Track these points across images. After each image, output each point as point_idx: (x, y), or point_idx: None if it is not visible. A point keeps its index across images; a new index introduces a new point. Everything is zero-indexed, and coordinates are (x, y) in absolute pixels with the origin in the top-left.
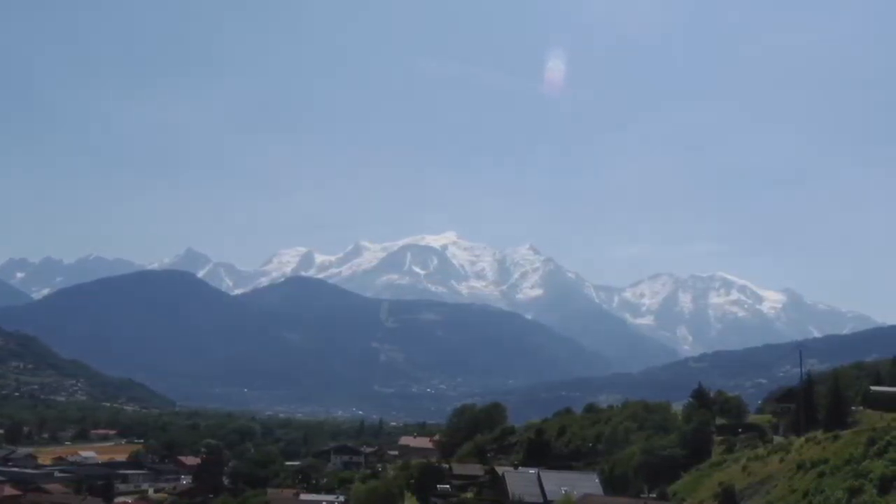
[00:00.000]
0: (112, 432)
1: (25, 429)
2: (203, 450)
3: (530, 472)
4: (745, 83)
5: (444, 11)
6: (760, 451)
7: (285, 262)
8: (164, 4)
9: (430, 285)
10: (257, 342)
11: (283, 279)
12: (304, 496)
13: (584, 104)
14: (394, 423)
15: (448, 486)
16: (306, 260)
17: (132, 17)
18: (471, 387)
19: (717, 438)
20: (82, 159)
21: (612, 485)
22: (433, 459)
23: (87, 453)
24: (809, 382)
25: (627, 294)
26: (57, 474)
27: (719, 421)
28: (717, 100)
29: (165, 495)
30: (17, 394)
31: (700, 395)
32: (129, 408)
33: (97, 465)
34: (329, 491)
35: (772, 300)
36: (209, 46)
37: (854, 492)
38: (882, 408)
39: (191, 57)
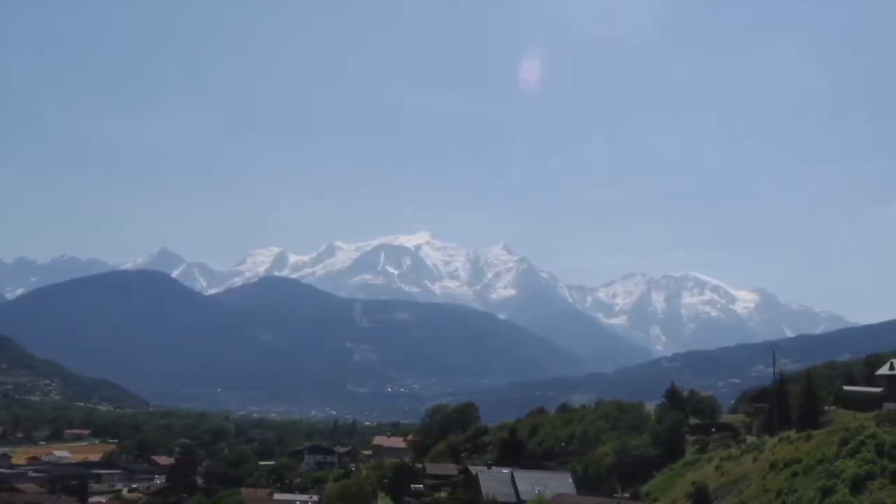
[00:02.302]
0: (86, 432)
1: (0, 428)
2: (177, 449)
3: (504, 471)
4: (720, 91)
5: (418, 27)
6: (734, 450)
7: (259, 262)
8: (142, 13)
9: (403, 285)
10: (231, 342)
11: (256, 279)
12: (277, 496)
13: (557, 108)
14: (367, 423)
15: (421, 485)
16: (280, 260)
17: (109, 24)
18: (444, 386)
19: (691, 438)
20: (57, 160)
21: (585, 484)
22: (407, 459)
23: (62, 453)
24: (782, 382)
25: (601, 294)
26: (31, 474)
27: (692, 421)
28: (692, 104)
29: (139, 495)
30: None
31: (673, 395)
32: (102, 407)
33: (71, 464)
34: (303, 491)
35: (745, 300)
36: (185, 54)
37: (827, 491)
38: (855, 408)
39: (167, 63)
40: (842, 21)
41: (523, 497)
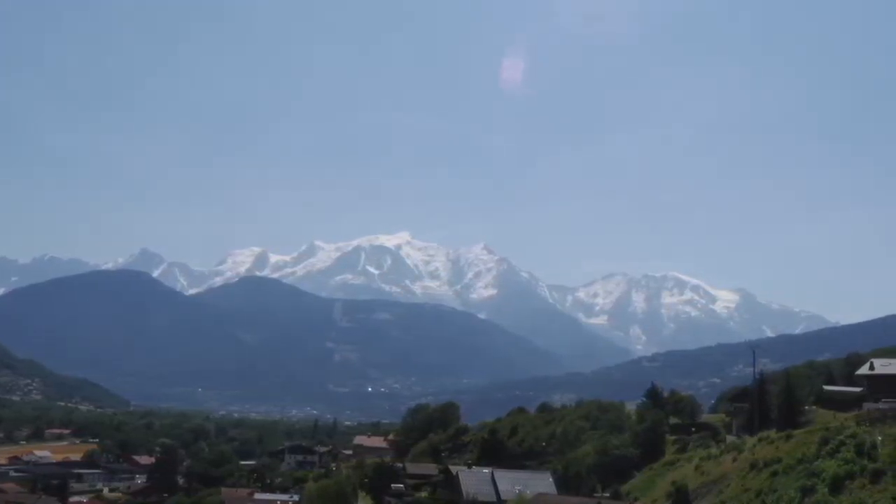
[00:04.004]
0: (67, 432)
1: None
2: (157, 449)
3: (484, 471)
4: (703, 94)
5: (398, 28)
6: (713, 450)
7: (240, 262)
8: (122, 20)
9: (384, 285)
10: (212, 342)
11: (237, 279)
12: (258, 495)
13: (539, 109)
14: (348, 423)
15: (402, 485)
16: (261, 260)
17: (96, 36)
18: (424, 386)
19: (671, 438)
20: (38, 161)
21: (565, 484)
22: (387, 459)
23: (42, 453)
24: (762, 382)
25: (581, 294)
26: (12, 473)
27: (673, 420)
28: (675, 106)
29: (120, 495)
30: None
31: (653, 395)
32: (83, 407)
33: (52, 464)
34: (283, 490)
35: (725, 300)
36: (162, 55)
37: (806, 491)
38: (835, 407)
39: (147, 65)
40: (826, 32)
41: (504, 497)
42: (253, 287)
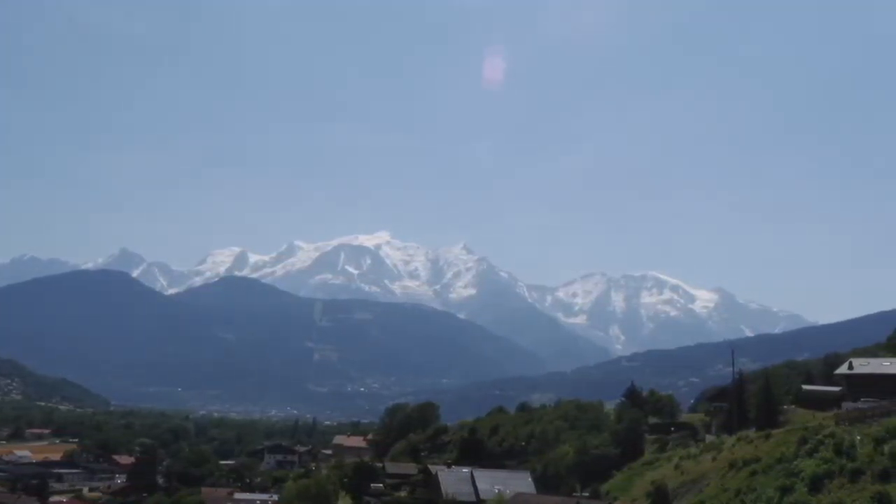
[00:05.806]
0: (46, 431)
1: None
2: (137, 449)
3: (463, 470)
4: (682, 88)
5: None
6: (693, 449)
7: (219, 262)
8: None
9: (363, 285)
10: (191, 342)
11: (217, 279)
12: (238, 495)
13: (520, 109)
14: (328, 423)
15: (381, 485)
16: (240, 259)
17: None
18: (404, 386)
19: (650, 437)
20: (19, 161)
21: (544, 483)
22: (367, 458)
23: (22, 452)
24: (741, 381)
25: (560, 293)
26: None
27: (652, 420)
28: (652, 102)
29: (100, 494)
30: None
31: (632, 395)
32: (63, 407)
33: (32, 464)
34: (263, 490)
35: (704, 299)
36: (144, 60)
37: (785, 490)
38: (814, 407)
39: (129, 70)
40: (798, 44)
41: (483, 496)
42: (232, 287)
